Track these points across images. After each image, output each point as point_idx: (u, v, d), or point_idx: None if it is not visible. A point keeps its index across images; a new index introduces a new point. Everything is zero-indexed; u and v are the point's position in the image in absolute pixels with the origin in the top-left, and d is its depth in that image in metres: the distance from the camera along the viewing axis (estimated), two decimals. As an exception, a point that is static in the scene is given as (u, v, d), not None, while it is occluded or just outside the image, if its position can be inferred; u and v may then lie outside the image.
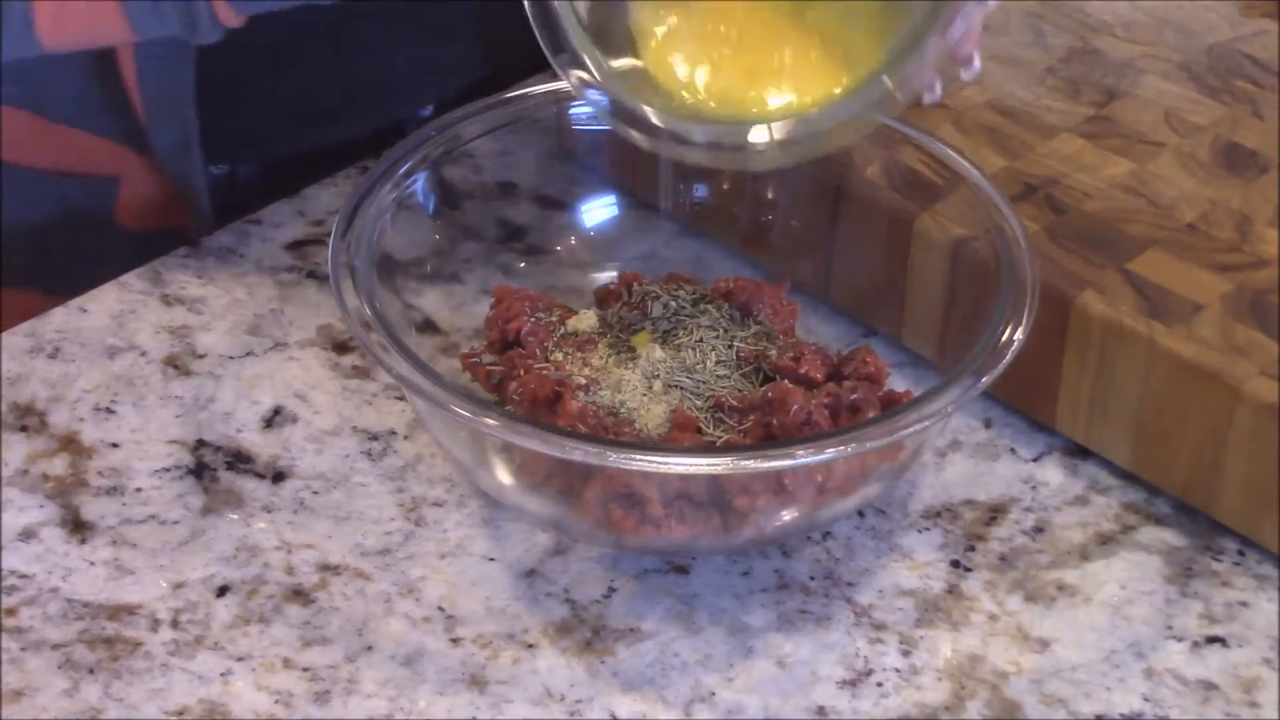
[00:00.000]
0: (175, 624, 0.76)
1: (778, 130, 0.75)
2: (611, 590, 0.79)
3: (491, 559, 0.80)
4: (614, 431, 0.77)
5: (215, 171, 1.01)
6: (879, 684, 0.75)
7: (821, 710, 0.74)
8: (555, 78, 0.89)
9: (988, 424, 0.86)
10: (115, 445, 0.83)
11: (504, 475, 0.77)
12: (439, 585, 0.78)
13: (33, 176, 0.97)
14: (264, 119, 1.02)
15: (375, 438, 0.84)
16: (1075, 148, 0.90)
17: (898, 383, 0.83)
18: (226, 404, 0.85)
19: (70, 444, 0.83)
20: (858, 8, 0.75)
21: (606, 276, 0.86)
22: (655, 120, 0.76)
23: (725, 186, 0.89)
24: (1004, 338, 0.76)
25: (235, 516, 0.81)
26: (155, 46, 0.92)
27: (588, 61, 0.76)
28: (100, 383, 0.86)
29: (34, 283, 0.98)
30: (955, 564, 0.80)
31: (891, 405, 0.78)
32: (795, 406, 0.76)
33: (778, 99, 0.76)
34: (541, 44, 0.75)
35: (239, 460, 0.83)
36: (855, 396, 0.78)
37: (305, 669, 0.75)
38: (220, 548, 0.79)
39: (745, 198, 0.90)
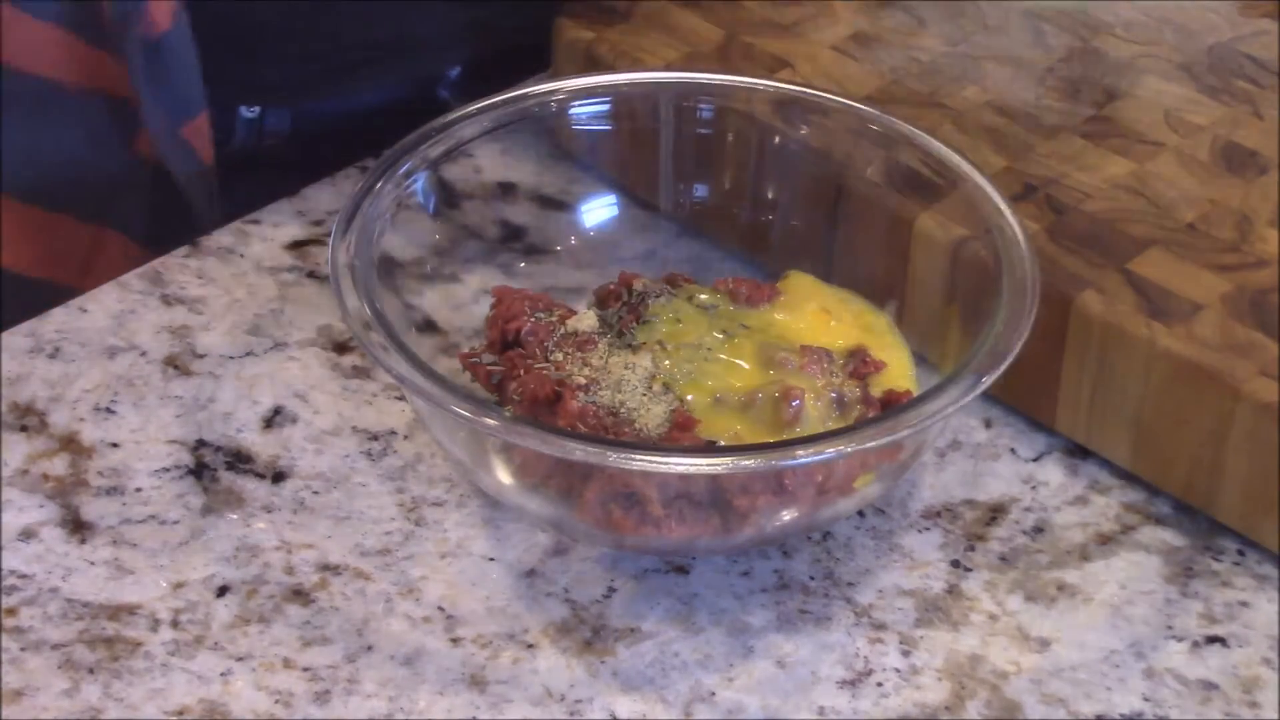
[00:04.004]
0: (175, 624, 0.76)
1: None
2: (611, 590, 0.79)
3: (491, 559, 0.80)
4: (614, 431, 0.77)
5: (247, 114, 1.01)
6: (879, 684, 0.75)
7: (821, 710, 0.74)
8: (555, 77, 0.89)
9: (988, 424, 0.86)
10: (115, 445, 0.83)
11: (504, 475, 0.77)
12: (439, 585, 0.78)
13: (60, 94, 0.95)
14: (289, 68, 1.01)
15: (375, 438, 0.84)
16: (1075, 148, 0.90)
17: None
18: (226, 404, 0.85)
19: (70, 444, 0.83)
20: None
21: (606, 277, 0.86)
22: None
23: (725, 187, 0.89)
24: (1004, 338, 0.76)
25: (235, 516, 0.81)
26: None
27: None
28: (100, 383, 0.86)
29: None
30: (955, 564, 0.80)
31: (891, 405, 0.78)
32: (795, 402, 0.76)
33: None
34: None
35: (239, 460, 0.83)
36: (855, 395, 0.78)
37: (305, 669, 0.75)
38: (220, 548, 0.79)
39: (745, 198, 0.90)
